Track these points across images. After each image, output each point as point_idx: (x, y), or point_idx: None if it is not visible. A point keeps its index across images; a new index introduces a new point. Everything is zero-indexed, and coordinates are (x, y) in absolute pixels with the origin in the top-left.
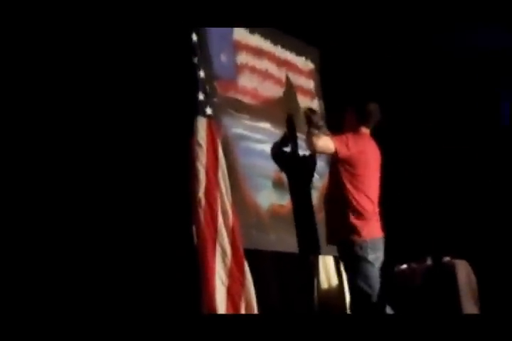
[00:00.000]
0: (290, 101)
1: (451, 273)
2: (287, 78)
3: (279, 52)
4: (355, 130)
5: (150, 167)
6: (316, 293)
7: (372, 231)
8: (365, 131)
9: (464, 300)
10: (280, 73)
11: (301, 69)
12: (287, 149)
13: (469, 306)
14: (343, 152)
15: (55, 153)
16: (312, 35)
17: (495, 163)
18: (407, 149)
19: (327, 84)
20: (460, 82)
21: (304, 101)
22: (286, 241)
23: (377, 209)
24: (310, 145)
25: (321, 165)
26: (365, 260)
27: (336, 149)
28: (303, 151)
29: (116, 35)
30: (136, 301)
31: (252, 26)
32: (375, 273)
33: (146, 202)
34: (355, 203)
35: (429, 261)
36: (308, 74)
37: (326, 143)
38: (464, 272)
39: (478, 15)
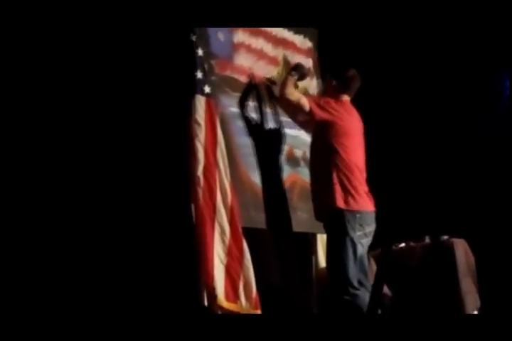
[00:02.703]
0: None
1: (449, 251)
2: (284, 57)
3: (276, 30)
4: (335, 97)
5: (149, 146)
6: (313, 272)
7: (362, 203)
8: (346, 98)
9: (462, 278)
10: (275, 52)
11: (299, 47)
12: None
13: (467, 285)
14: (319, 113)
15: (52, 136)
16: (310, 14)
17: (492, 141)
18: (404, 127)
19: (325, 64)
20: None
21: (303, 81)
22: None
23: (364, 182)
24: (284, 96)
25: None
26: (349, 238)
27: (311, 109)
28: (272, 124)
29: (114, 14)
30: (135, 281)
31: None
32: (356, 253)
33: (145, 180)
34: (340, 172)
35: (427, 240)
36: (307, 53)
37: (300, 99)
38: (462, 251)
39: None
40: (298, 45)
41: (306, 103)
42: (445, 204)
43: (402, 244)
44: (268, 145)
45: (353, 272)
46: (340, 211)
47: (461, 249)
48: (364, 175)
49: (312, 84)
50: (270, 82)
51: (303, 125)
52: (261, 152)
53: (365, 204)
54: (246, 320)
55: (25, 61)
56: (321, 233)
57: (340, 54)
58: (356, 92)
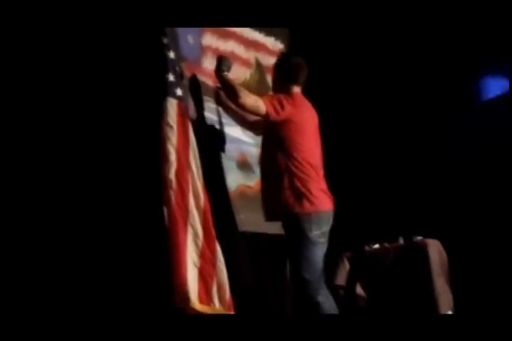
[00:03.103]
0: (260, 82)
1: (423, 252)
2: (256, 59)
3: (247, 32)
4: (284, 90)
5: (120, 148)
6: (288, 274)
7: (317, 203)
8: (297, 89)
9: (436, 279)
10: (247, 54)
11: (270, 49)
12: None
13: (441, 285)
14: (275, 114)
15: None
16: (281, 14)
17: (467, 139)
18: (381, 128)
19: None
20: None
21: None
22: (256, 221)
23: (322, 179)
24: (239, 102)
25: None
26: (308, 238)
27: (267, 111)
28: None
29: (86, 16)
30: (107, 284)
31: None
32: (317, 254)
33: (117, 183)
34: (292, 174)
35: (401, 241)
36: (279, 55)
37: (256, 102)
38: (435, 251)
39: None
40: (269, 47)
41: (262, 106)
42: (418, 205)
43: (376, 245)
44: (211, 147)
45: (313, 273)
46: (295, 214)
47: (435, 249)
48: (321, 172)
49: None
50: (220, 89)
51: (252, 127)
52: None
53: (321, 204)
54: (219, 320)
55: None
56: None
57: (311, 55)
58: (305, 83)
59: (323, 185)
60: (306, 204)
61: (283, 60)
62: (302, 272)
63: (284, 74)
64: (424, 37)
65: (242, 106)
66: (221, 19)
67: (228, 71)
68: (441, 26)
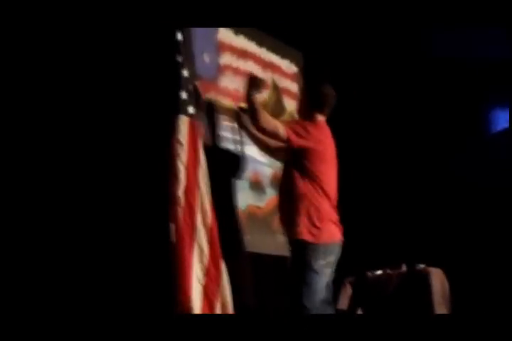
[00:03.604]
0: (276, 103)
1: (425, 280)
2: (273, 80)
3: (264, 54)
4: (310, 117)
5: (130, 164)
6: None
7: (328, 234)
8: (321, 118)
9: (437, 307)
10: (265, 75)
11: (285, 71)
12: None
13: (442, 313)
14: (297, 140)
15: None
16: (295, 37)
17: (470, 169)
18: (381, 153)
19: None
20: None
21: (290, 104)
22: (262, 243)
23: (335, 210)
24: (259, 125)
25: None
26: (311, 267)
27: (287, 136)
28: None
29: (100, 33)
30: (111, 298)
31: (235, 26)
32: (319, 283)
33: (125, 199)
34: (309, 202)
35: (403, 268)
36: (293, 77)
37: (276, 127)
38: (438, 280)
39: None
40: (284, 69)
41: (282, 130)
42: (423, 233)
43: (379, 272)
44: (227, 169)
45: (313, 301)
46: (304, 242)
47: (437, 278)
48: (335, 203)
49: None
50: (242, 110)
51: (274, 154)
52: (219, 176)
53: (331, 235)
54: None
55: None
56: None
57: (325, 79)
58: (331, 111)
59: (335, 216)
60: (316, 233)
61: (314, 87)
62: (302, 299)
63: (313, 101)
64: (434, 70)
65: (262, 130)
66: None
67: (257, 93)
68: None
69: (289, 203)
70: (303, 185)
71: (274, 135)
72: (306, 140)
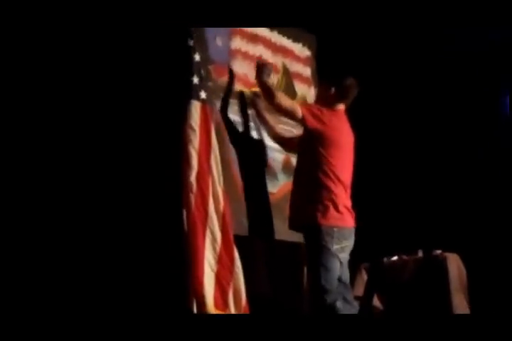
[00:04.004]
0: (286, 88)
1: (442, 266)
2: (283, 65)
3: (276, 38)
4: (330, 106)
5: (142, 150)
6: (305, 282)
7: (342, 219)
8: (341, 108)
9: (454, 293)
10: (275, 59)
11: (298, 55)
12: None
13: (459, 299)
14: (311, 121)
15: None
16: (309, 21)
17: (486, 156)
18: (398, 139)
19: (323, 72)
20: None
21: (302, 89)
22: (276, 228)
23: (348, 197)
24: (275, 101)
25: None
26: (329, 250)
27: (303, 115)
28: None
29: (111, 19)
30: (125, 287)
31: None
32: (336, 266)
33: (138, 185)
34: (324, 187)
35: (420, 254)
36: (306, 61)
37: (293, 105)
38: (454, 265)
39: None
40: (296, 53)
41: (298, 109)
42: (439, 218)
43: (395, 257)
44: (251, 155)
45: (332, 283)
46: (318, 225)
47: (454, 263)
48: (349, 190)
49: (310, 92)
50: (256, 95)
51: (285, 144)
52: (244, 162)
53: (344, 220)
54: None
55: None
56: None
57: (338, 63)
58: (352, 102)
59: (349, 203)
60: (331, 218)
61: (338, 77)
62: (321, 281)
63: (336, 91)
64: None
65: (279, 106)
66: (246, 21)
67: (268, 78)
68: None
69: (303, 189)
70: (316, 171)
71: (290, 113)
72: (322, 124)
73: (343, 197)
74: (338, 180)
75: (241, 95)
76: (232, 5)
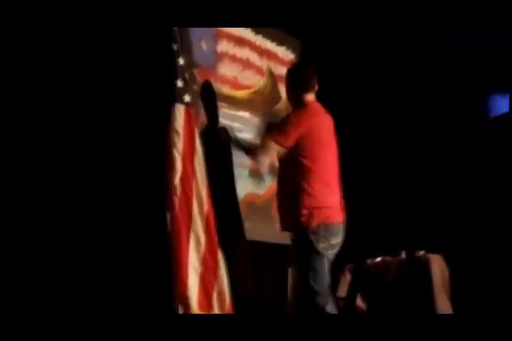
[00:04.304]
0: (272, 90)
1: (425, 267)
2: (269, 67)
3: (260, 41)
4: (298, 99)
5: (126, 153)
6: (289, 284)
7: (328, 215)
8: (310, 97)
9: (437, 293)
10: (261, 62)
11: (282, 59)
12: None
13: (442, 300)
14: (285, 143)
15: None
16: (293, 25)
17: (470, 155)
18: (388, 142)
19: None
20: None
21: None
22: (261, 230)
23: (336, 192)
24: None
25: None
26: (315, 250)
27: (280, 145)
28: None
29: (96, 23)
30: (109, 287)
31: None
32: (323, 266)
33: (122, 188)
34: (308, 192)
35: (403, 255)
36: (289, 64)
37: (268, 149)
38: (437, 266)
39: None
40: (281, 57)
41: (273, 147)
42: (422, 219)
43: (378, 259)
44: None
45: (321, 284)
46: (304, 228)
47: (437, 264)
48: (335, 184)
49: None
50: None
51: None
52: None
53: (332, 216)
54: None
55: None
56: None
57: (323, 66)
58: (318, 89)
59: (336, 198)
60: (315, 218)
61: (293, 69)
62: (311, 283)
63: (296, 83)
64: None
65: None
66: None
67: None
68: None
69: (286, 196)
70: (299, 175)
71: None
72: (297, 133)
73: (330, 193)
74: (323, 180)
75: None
76: (216, 7)
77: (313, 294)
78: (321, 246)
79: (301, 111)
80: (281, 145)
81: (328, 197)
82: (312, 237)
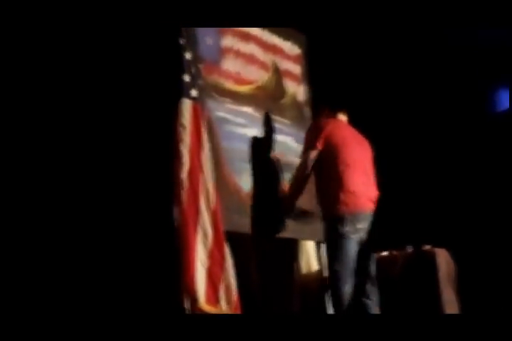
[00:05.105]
0: (277, 85)
1: (431, 261)
2: (274, 63)
3: (266, 36)
4: (328, 117)
5: (134, 148)
6: (295, 278)
7: (357, 204)
8: (341, 117)
9: (443, 288)
10: (266, 57)
11: (287, 54)
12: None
13: (448, 295)
14: (318, 150)
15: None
16: (299, 20)
17: (476, 151)
18: (392, 137)
19: (314, 70)
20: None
21: (291, 86)
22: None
23: (371, 189)
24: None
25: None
26: (339, 233)
27: (313, 153)
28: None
29: (102, 19)
30: (115, 284)
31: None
32: (347, 248)
33: (129, 183)
34: (339, 185)
35: (409, 249)
36: (295, 59)
37: (305, 159)
38: (444, 260)
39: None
40: (286, 52)
41: (312, 157)
42: (429, 214)
43: (385, 253)
44: (259, 151)
45: (344, 265)
46: (332, 216)
47: (443, 258)
48: (370, 176)
49: (300, 90)
50: None
51: None
52: (253, 157)
53: (361, 206)
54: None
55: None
56: (307, 239)
57: (329, 61)
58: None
59: (370, 190)
60: (342, 208)
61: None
62: (332, 263)
63: (327, 105)
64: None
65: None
66: (237, 21)
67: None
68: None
69: (321, 187)
70: (329, 171)
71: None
72: (322, 139)
73: (361, 184)
74: (350, 174)
75: None
76: (223, 5)
77: (333, 273)
78: (346, 229)
79: (317, 120)
80: (314, 155)
81: (362, 185)
82: (338, 223)
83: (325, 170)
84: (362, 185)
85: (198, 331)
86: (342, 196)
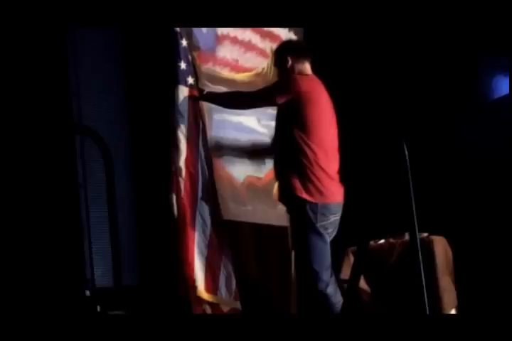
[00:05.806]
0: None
1: (428, 248)
2: (272, 49)
3: None
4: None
5: (130, 136)
6: (292, 265)
7: (327, 194)
8: (305, 69)
9: (440, 276)
10: (264, 44)
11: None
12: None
13: (446, 283)
14: (282, 98)
15: None
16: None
17: (473, 138)
18: (388, 124)
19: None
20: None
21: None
22: (264, 213)
23: (334, 163)
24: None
25: None
26: (314, 229)
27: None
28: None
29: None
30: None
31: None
32: (323, 245)
33: (126, 170)
34: (307, 157)
35: (406, 237)
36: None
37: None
38: (441, 248)
39: None
40: (283, 38)
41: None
42: (425, 201)
43: (382, 240)
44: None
45: (322, 264)
46: (302, 199)
47: (441, 246)
48: (334, 156)
49: None
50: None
51: None
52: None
53: (330, 195)
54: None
55: None
56: None
57: (326, 50)
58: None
59: (334, 172)
60: (315, 193)
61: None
62: (310, 263)
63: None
64: (434, 36)
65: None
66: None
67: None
68: (452, 25)
69: (285, 160)
70: (297, 139)
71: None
72: (294, 89)
73: (328, 171)
74: (322, 148)
75: None
76: (219, 4)
77: (313, 274)
78: (320, 224)
79: (301, 76)
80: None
81: (327, 168)
82: (311, 214)
83: (288, 142)
84: (332, 166)
85: (198, 331)
86: (313, 180)
